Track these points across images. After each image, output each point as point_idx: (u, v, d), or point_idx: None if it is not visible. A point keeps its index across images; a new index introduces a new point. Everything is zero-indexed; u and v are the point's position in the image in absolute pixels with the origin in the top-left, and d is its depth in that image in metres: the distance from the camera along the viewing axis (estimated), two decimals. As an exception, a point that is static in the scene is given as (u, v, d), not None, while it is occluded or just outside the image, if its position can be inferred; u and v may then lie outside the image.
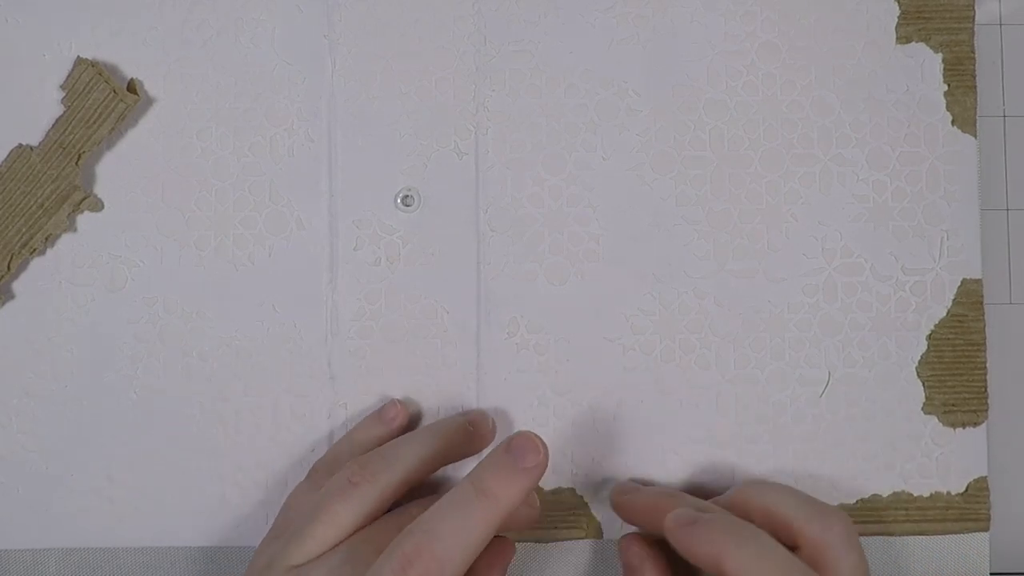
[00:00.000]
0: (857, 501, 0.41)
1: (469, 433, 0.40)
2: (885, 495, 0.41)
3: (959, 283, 0.42)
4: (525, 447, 0.35)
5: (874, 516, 0.41)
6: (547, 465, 0.35)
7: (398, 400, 0.41)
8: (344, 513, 0.36)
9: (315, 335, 0.41)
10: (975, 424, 0.42)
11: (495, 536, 0.37)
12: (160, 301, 0.41)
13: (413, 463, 0.37)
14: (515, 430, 0.41)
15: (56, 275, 0.41)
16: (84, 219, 0.41)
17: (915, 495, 0.41)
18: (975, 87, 0.42)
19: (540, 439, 0.35)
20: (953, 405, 0.42)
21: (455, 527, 0.33)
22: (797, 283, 0.42)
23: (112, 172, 0.42)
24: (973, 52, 0.42)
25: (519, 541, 0.41)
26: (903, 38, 0.42)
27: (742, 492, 0.38)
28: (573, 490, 0.41)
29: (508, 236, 0.42)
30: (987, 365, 0.42)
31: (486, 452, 0.40)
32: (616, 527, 0.41)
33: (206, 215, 0.42)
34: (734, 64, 0.42)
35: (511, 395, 0.41)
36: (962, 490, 0.41)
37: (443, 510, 0.33)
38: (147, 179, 0.42)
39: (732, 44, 0.42)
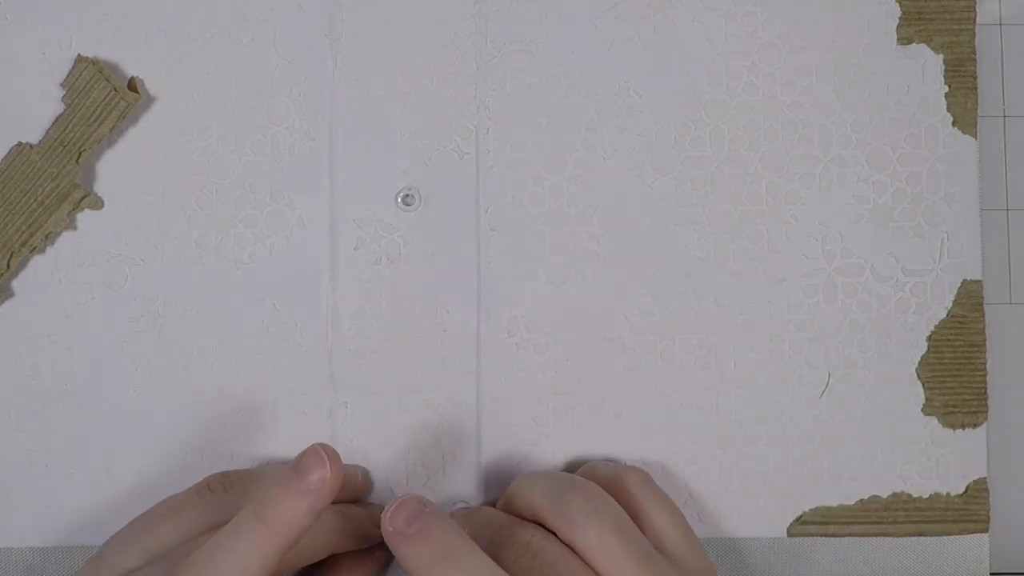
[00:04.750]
0: (857, 502, 0.41)
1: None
2: (885, 496, 0.41)
3: (959, 284, 0.42)
4: (310, 464, 0.32)
5: (874, 517, 0.41)
6: (338, 479, 0.32)
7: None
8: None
9: (315, 334, 0.41)
10: (975, 425, 0.42)
11: (352, 553, 0.37)
12: (160, 300, 0.41)
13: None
14: (514, 431, 0.41)
15: (56, 273, 0.41)
16: (84, 217, 0.41)
17: (915, 496, 0.41)
18: (976, 88, 0.42)
19: (329, 451, 0.32)
20: (953, 406, 0.42)
21: (233, 559, 0.32)
22: (797, 284, 0.42)
23: (113, 170, 0.42)
24: (974, 53, 0.42)
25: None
26: (904, 39, 0.42)
27: (508, 493, 0.38)
28: (573, 490, 0.41)
29: (508, 236, 0.42)
30: (987, 366, 0.42)
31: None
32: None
33: (207, 213, 0.41)
34: (735, 64, 0.42)
35: (511, 395, 0.41)
36: (962, 491, 0.41)
37: (222, 540, 0.32)
38: (148, 177, 0.42)
39: (733, 44, 0.42)
